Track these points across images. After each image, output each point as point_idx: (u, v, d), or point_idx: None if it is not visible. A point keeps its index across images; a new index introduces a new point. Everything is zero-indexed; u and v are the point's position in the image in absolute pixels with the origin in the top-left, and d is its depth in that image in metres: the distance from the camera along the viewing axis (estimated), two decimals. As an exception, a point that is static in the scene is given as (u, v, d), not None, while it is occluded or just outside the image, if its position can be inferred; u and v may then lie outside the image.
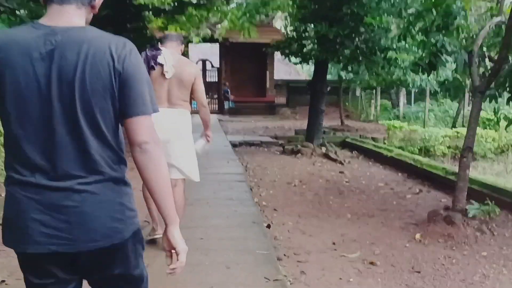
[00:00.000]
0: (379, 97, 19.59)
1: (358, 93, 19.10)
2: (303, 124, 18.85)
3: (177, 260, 1.44)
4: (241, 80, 22.33)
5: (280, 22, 25.55)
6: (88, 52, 1.30)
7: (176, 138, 3.41)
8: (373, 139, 13.02)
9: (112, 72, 1.31)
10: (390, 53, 8.46)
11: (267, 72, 22.38)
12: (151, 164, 1.38)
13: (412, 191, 6.39)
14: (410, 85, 13.72)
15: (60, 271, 1.41)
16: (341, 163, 8.64)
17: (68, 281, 1.45)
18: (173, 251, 1.45)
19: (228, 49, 21.92)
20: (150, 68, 3.31)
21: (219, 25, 16.61)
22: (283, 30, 19.29)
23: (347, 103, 21.38)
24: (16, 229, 1.35)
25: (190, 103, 3.61)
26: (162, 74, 3.36)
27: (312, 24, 9.02)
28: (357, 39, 8.93)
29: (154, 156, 1.37)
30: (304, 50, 9.71)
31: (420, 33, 6.20)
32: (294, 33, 9.70)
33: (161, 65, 3.35)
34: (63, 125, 1.31)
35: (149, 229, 3.63)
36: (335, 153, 9.62)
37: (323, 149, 9.66)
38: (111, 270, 1.45)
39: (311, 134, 9.94)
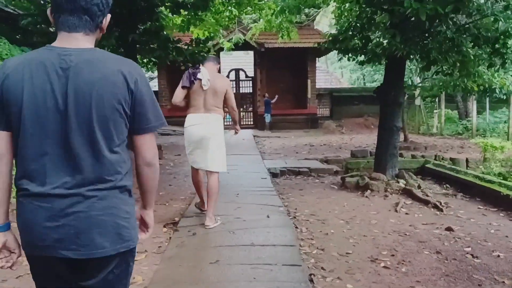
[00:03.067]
0: (443, 106, 16.46)
1: (418, 102, 16.01)
2: (353, 140, 16.02)
3: (147, 231, 1.76)
4: (278, 90, 19.65)
5: (324, 23, 22.91)
6: (103, 73, 1.47)
7: (211, 136, 4.34)
8: (452, 160, 10.06)
9: (126, 91, 1.49)
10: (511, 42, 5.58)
11: (309, 81, 19.56)
12: (154, 175, 1.64)
13: None
14: (497, 90, 10.67)
15: (68, 274, 1.55)
16: (436, 207, 5.78)
17: (70, 283, 1.57)
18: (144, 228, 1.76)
19: (264, 56, 19.38)
20: (191, 83, 4.33)
21: (252, 25, 14.04)
22: (332, 26, 16.59)
23: (401, 114, 18.40)
24: (32, 236, 1.48)
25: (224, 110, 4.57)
26: (201, 87, 4.34)
27: (384, 6, 6.28)
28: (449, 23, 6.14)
29: (156, 168, 1.64)
30: (369, 45, 6.95)
31: None
32: (356, 23, 6.91)
33: (200, 80, 4.33)
34: (79, 137, 1.45)
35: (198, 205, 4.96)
36: (419, 187, 6.78)
37: (401, 183, 6.83)
38: (107, 276, 1.56)
39: (383, 161, 7.11)
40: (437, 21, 6.01)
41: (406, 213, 5.54)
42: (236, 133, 4.90)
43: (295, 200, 6.27)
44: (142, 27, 10.14)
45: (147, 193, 1.67)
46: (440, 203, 5.88)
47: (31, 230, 1.48)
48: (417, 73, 12.81)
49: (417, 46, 6.02)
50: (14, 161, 1.55)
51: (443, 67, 6.73)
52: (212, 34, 11.13)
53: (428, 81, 11.28)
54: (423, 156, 10.12)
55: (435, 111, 16.99)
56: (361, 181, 6.82)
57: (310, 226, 4.93)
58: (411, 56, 6.63)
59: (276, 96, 18.89)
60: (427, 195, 6.31)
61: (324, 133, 18.58)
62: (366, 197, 6.39)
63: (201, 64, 4.48)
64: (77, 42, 1.49)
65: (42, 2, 9.72)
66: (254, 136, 16.33)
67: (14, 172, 1.54)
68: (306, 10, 16.09)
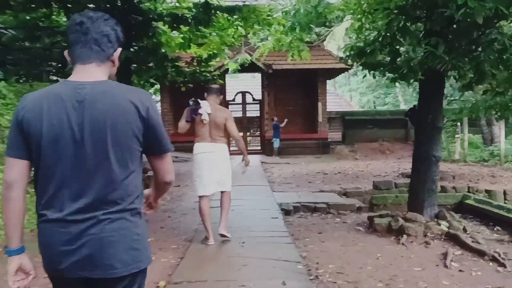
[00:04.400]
0: (466, 130, 15.24)
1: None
2: (369, 167, 14.71)
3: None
4: (287, 113, 18.58)
5: (332, 46, 22.05)
6: (116, 102, 1.57)
7: (220, 162, 4.83)
8: (488, 193, 8.81)
9: (138, 119, 1.59)
10: None
11: (319, 104, 18.47)
12: (170, 187, 1.81)
13: None
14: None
15: None
16: (496, 261, 4.54)
17: None
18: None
19: (272, 78, 18.37)
20: (192, 118, 4.79)
21: (260, 44, 13.05)
22: (340, 50, 15.59)
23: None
24: (51, 258, 1.58)
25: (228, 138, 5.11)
26: (201, 120, 4.77)
27: (418, 12, 5.20)
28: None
29: (173, 182, 1.78)
30: (399, 59, 5.85)
31: None
32: (386, 32, 5.79)
33: (201, 114, 4.76)
34: (94, 164, 1.54)
35: (203, 236, 4.96)
36: (464, 230, 5.55)
37: (443, 225, 5.60)
38: None
39: (419, 198, 5.88)
40: (485, 27, 4.91)
41: (460, 270, 4.31)
42: (246, 164, 5.10)
43: (314, 248, 5.05)
44: (138, 45, 9.17)
45: (160, 194, 1.85)
46: (499, 255, 4.64)
47: (49, 254, 1.57)
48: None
49: (464, 57, 4.90)
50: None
51: (492, 85, 5.58)
52: (215, 52, 10.10)
53: (456, 103, 10.14)
54: (454, 188, 8.90)
55: (457, 135, 15.76)
56: (394, 223, 5.59)
57: (340, 293, 3.71)
58: (453, 71, 5.50)
59: (286, 120, 17.76)
60: (478, 242, 5.08)
61: (336, 158, 17.39)
62: (403, 244, 5.16)
63: (205, 93, 4.92)
64: (90, 74, 1.60)
65: (28, 18, 8.80)
66: (261, 162, 15.17)
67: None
68: (317, 29, 15.16)
